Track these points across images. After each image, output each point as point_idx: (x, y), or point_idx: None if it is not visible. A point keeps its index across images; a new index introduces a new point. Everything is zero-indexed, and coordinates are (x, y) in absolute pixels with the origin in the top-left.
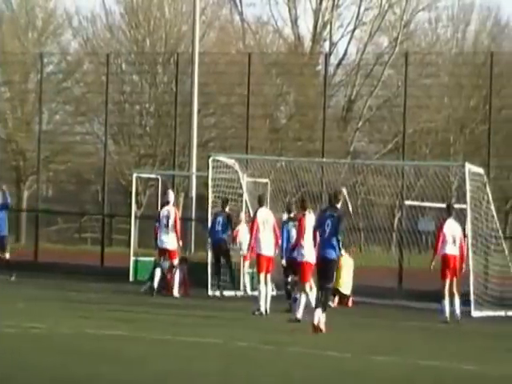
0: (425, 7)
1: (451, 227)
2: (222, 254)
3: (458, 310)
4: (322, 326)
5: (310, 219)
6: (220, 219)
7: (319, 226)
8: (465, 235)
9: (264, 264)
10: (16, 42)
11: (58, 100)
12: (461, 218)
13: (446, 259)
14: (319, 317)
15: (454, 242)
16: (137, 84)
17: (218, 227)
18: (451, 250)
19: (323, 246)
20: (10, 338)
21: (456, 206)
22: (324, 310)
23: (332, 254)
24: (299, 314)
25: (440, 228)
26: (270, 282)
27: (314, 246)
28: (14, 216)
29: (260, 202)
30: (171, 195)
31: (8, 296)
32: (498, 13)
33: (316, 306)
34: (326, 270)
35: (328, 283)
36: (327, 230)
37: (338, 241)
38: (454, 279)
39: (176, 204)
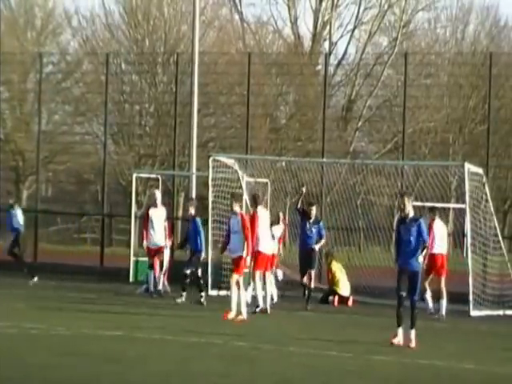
0: (424, 7)
1: (438, 227)
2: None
3: (443, 310)
4: (413, 344)
5: (263, 214)
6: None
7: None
8: (464, 235)
9: (263, 262)
10: (15, 41)
11: (57, 100)
12: (459, 217)
13: (433, 258)
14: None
15: (442, 241)
16: (136, 84)
17: None
18: (438, 249)
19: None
20: (10, 339)
21: (455, 205)
22: (413, 326)
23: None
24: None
25: (430, 228)
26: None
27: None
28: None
29: (257, 202)
30: (158, 195)
31: (7, 296)
32: (497, 13)
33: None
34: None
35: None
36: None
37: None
38: (442, 278)
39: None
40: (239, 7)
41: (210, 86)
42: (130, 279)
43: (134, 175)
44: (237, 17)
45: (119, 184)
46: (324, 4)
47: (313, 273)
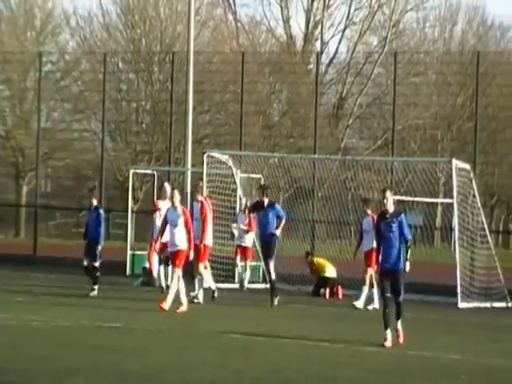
0: (413, 7)
1: (369, 221)
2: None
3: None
4: (401, 339)
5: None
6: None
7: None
8: (452, 229)
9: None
10: (15, 41)
11: (56, 98)
12: (447, 212)
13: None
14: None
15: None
16: (133, 82)
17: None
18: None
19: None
20: (10, 330)
21: (443, 200)
22: (399, 318)
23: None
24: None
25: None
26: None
27: (378, 256)
28: (13, 211)
29: (198, 192)
30: (167, 188)
31: (8, 289)
32: (484, 13)
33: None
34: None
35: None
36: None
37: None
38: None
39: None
40: (233, 7)
41: (204, 84)
42: (127, 272)
43: (131, 171)
44: (231, 17)
45: (116, 180)
46: (316, 4)
47: (271, 264)
